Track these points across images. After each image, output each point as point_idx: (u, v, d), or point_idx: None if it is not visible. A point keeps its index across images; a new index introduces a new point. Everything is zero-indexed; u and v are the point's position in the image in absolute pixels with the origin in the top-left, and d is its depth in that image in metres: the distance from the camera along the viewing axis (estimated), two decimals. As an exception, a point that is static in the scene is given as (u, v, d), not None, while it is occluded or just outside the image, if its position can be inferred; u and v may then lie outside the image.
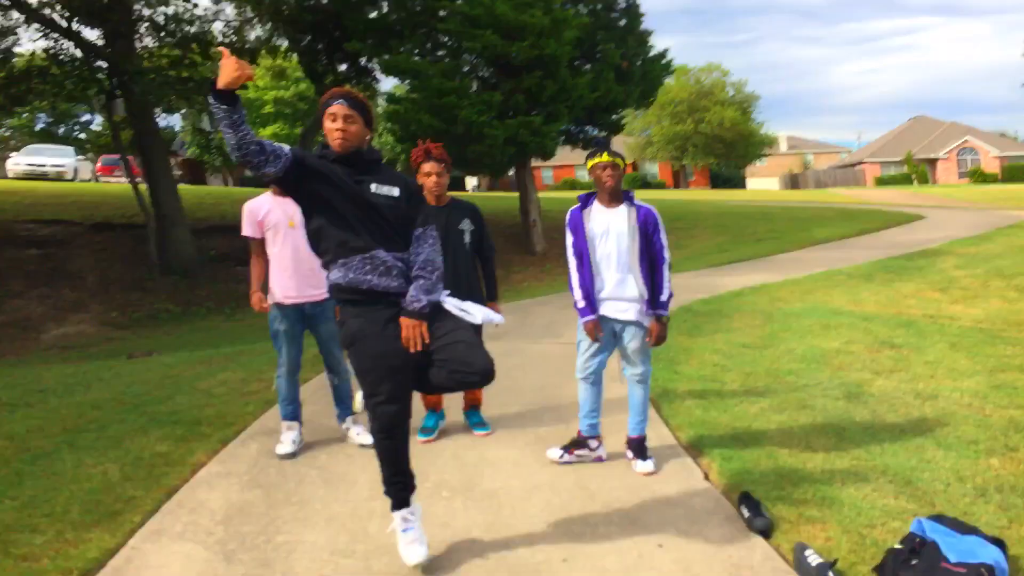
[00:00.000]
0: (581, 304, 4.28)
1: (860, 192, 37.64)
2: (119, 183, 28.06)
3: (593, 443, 4.45)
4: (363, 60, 18.21)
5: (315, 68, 18.25)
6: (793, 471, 4.13)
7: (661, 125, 54.09)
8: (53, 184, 24.34)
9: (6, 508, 3.86)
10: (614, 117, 18.39)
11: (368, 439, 4.72)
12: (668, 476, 4.18)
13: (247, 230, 4.70)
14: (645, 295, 4.23)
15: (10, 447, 4.88)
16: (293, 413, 4.77)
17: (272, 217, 4.64)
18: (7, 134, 50.64)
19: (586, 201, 4.32)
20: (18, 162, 28.27)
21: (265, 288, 4.73)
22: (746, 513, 3.62)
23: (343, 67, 18.45)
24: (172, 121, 42.40)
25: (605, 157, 4.19)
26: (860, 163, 56.89)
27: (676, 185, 57.43)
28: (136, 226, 16.79)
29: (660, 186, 55.90)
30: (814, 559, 3.12)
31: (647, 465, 4.27)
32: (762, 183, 59.74)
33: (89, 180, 29.75)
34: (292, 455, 4.58)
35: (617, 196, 4.26)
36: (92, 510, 3.81)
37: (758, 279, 11.09)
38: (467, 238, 4.78)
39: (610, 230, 4.21)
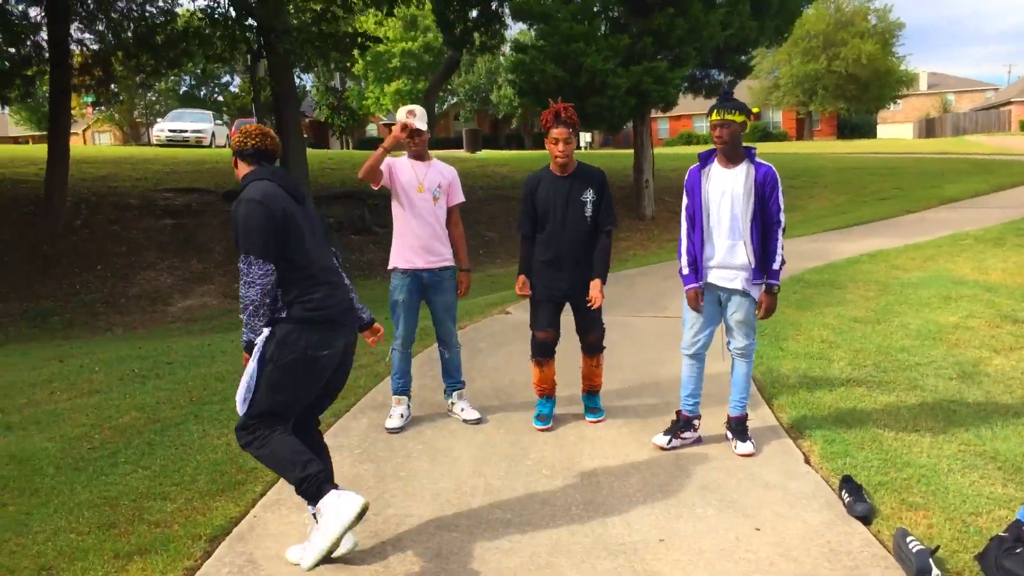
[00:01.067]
0: (686, 271, 4.24)
1: (1002, 139, 35.06)
2: (253, 148, 28.90)
3: (696, 423, 4.46)
4: (494, 4, 18.15)
5: (446, 15, 18.26)
6: (898, 455, 4.05)
7: (791, 65, 50.17)
8: (192, 150, 25.21)
9: (140, 476, 4.21)
10: (743, 58, 17.63)
11: (472, 415, 4.89)
12: (768, 458, 4.17)
13: (379, 184, 4.67)
14: (754, 263, 4.12)
15: (142, 418, 5.28)
16: (404, 387, 4.93)
17: (404, 177, 4.70)
18: (154, 98, 53.24)
19: (706, 160, 4.20)
20: (162, 128, 29.46)
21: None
22: (847, 498, 3.59)
23: (474, 13, 18.46)
24: (304, 80, 43.62)
25: (714, 115, 4.05)
26: (1007, 103, 52.13)
27: (799, 136, 53.95)
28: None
29: (782, 137, 52.69)
30: (915, 546, 3.09)
31: (747, 446, 4.26)
32: (894, 130, 55.95)
33: (224, 145, 30.81)
34: (400, 429, 4.78)
35: (734, 156, 4.11)
36: (217, 480, 4.11)
37: (877, 244, 10.69)
38: (588, 210, 4.54)
39: (725, 192, 4.09)
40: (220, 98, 54.17)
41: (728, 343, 4.39)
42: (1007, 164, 21.79)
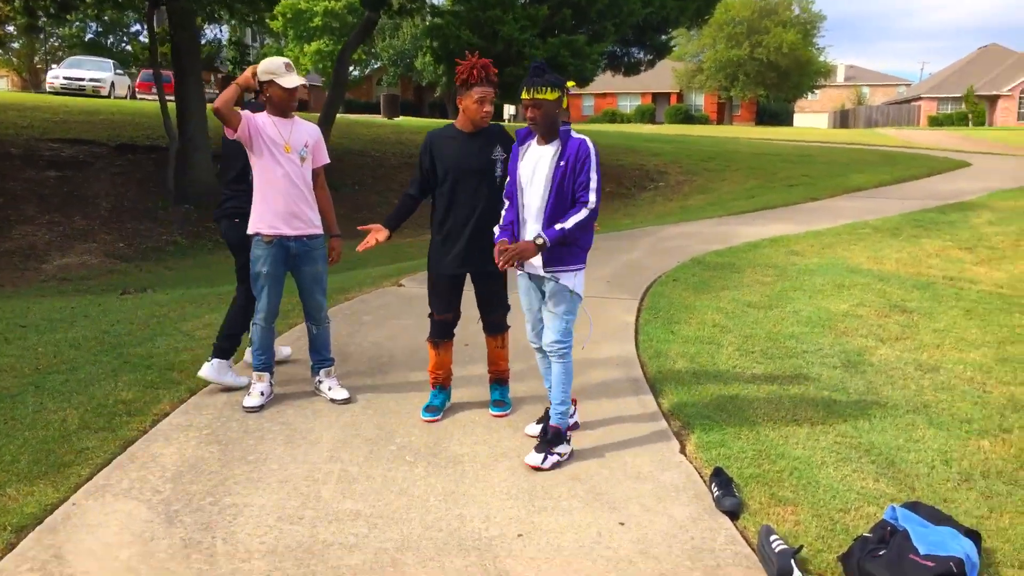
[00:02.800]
0: (497, 231, 3.93)
1: (910, 133, 36.12)
2: (156, 100, 27.65)
3: (569, 409, 4.18)
4: None
5: None
6: (773, 447, 3.93)
7: (715, 49, 50.73)
8: (88, 100, 23.80)
9: (-46, 455, 3.76)
10: (664, 37, 17.60)
11: (340, 394, 4.57)
12: (643, 447, 3.99)
13: (244, 120, 4.19)
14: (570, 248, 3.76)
15: (-24, 388, 4.78)
16: (265, 363, 4.58)
17: (267, 133, 4.25)
18: (56, 43, 50.22)
19: (525, 137, 3.86)
20: (57, 75, 27.77)
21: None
22: (715, 491, 3.44)
23: None
24: (222, 34, 41.71)
25: (524, 94, 3.66)
26: (917, 98, 53.74)
27: (720, 120, 54.80)
28: (159, 149, 16.44)
29: (704, 120, 53.04)
30: (778, 545, 2.94)
31: (535, 457, 3.76)
32: (810, 119, 57.28)
33: (125, 97, 29.22)
34: (259, 408, 4.42)
35: (549, 134, 3.72)
36: (42, 460, 3.70)
37: (779, 230, 10.72)
38: (498, 169, 4.14)
39: (536, 172, 3.73)
40: (128, 48, 51.52)
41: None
42: (912, 157, 22.40)
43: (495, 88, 4.06)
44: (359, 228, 4.34)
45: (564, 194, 3.68)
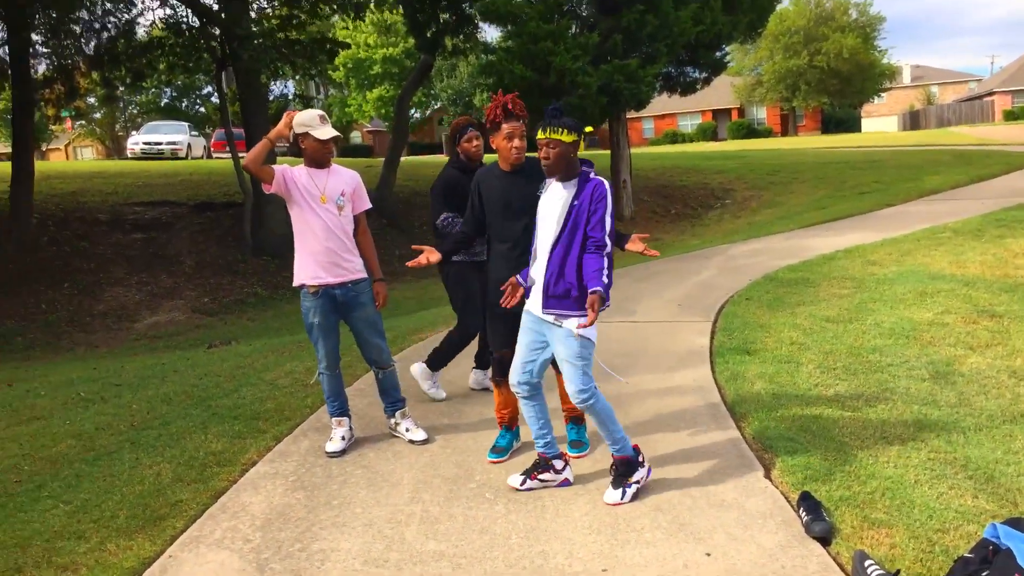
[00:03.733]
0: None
1: (985, 130, 34.93)
2: (229, 159, 28.66)
3: (558, 463, 3.90)
4: (465, 6, 17.88)
5: (417, 18, 17.88)
6: (863, 467, 3.81)
7: (773, 61, 50.01)
8: (166, 163, 24.89)
9: (59, 513, 3.94)
10: (718, 54, 17.51)
11: (418, 435, 4.62)
12: (726, 473, 3.92)
13: (277, 180, 4.31)
14: (571, 292, 3.61)
15: (76, 447, 5.01)
16: (340, 408, 4.66)
17: (302, 186, 4.33)
18: (135, 111, 52.73)
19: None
20: (136, 141, 29.20)
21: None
22: (804, 516, 3.35)
23: (446, 15, 18.14)
24: (288, 89, 43.15)
25: (540, 134, 3.61)
26: (990, 93, 52.14)
27: (784, 132, 53.95)
28: (235, 204, 17.07)
29: (767, 133, 52.37)
30: (874, 570, 2.85)
31: (615, 495, 3.70)
32: (879, 124, 55.74)
33: (201, 156, 30.44)
34: (340, 453, 4.50)
35: (566, 174, 3.65)
36: (139, 515, 3.84)
37: (854, 239, 10.46)
38: None
39: (551, 211, 3.65)
40: (202, 109, 53.68)
41: None
42: (987, 155, 21.62)
43: (524, 120, 4.03)
44: (413, 247, 4.28)
45: (575, 235, 3.57)
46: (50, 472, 4.60)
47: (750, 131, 52.15)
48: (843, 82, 49.03)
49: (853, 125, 54.59)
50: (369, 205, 4.64)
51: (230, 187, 18.58)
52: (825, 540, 3.22)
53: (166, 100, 55.20)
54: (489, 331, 4.30)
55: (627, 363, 5.86)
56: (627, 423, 4.63)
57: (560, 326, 3.63)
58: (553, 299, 3.62)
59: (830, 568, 3.04)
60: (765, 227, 13.25)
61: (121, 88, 20.09)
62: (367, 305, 4.52)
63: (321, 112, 4.38)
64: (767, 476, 3.87)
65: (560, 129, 3.57)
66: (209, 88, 51.61)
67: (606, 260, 3.55)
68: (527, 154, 4.12)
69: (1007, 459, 3.81)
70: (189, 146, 29.31)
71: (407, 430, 4.66)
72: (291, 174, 4.38)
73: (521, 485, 3.86)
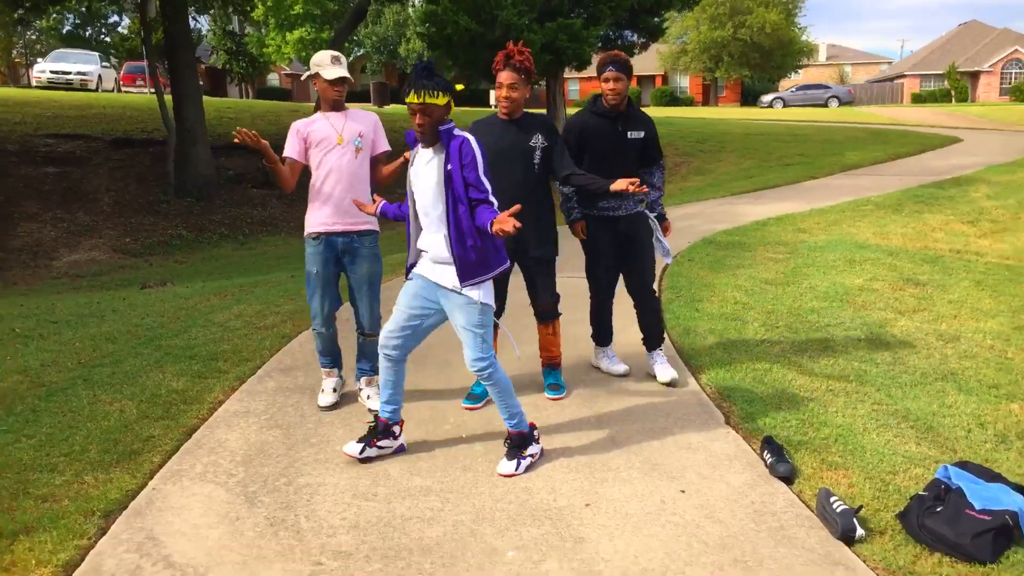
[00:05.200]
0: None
1: (896, 111, 36.44)
2: (142, 93, 27.40)
3: (396, 429, 3.81)
4: None
5: None
6: (815, 415, 4.09)
7: (699, 31, 50.60)
8: (77, 94, 23.64)
9: (24, 447, 3.86)
10: (656, 20, 17.73)
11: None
12: (689, 420, 4.14)
13: (290, 149, 4.18)
14: (459, 257, 3.51)
15: (24, 382, 4.87)
16: (332, 362, 4.47)
17: (318, 133, 4.19)
18: (35, 37, 49.62)
19: (414, 141, 3.60)
20: (43, 69, 27.65)
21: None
22: (768, 458, 3.59)
23: None
24: (200, 24, 41.20)
25: (413, 98, 3.39)
26: (900, 76, 54.19)
27: (705, 101, 54.84)
28: (156, 142, 16.46)
29: (689, 102, 53.35)
30: (839, 505, 3.10)
31: (506, 466, 3.62)
32: (795, 99, 57.31)
33: (112, 90, 29.03)
34: (332, 407, 4.36)
35: (433, 138, 3.49)
36: (111, 449, 3.81)
37: (783, 208, 10.89)
38: (537, 156, 4.20)
39: (424, 177, 3.55)
40: (108, 39, 50.96)
41: None
42: (902, 134, 22.63)
43: (519, 73, 4.07)
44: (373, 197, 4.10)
45: (460, 199, 3.47)
46: (2, 408, 4.47)
47: (673, 99, 53.01)
48: (764, 56, 50.20)
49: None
50: (388, 147, 4.44)
51: (148, 123, 17.89)
52: (788, 480, 3.47)
53: (68, 28, 52.19)
54: None
55: (582, 318, 6.03)
56: (592, 376, 4.80)
57: (460, 292, 3.53)
58: (467, 267, 3.49)
59: (796, 504, 3.29)
60: (696, 193, 13.61)
61: (23, 10, 18.90)
62: (368, 260, 4.29)
63: (335, 52, 4.18)
64: (727, 423, 4.11)
65: (435, 92, 3.37)
66: (116, 17, 49.04)
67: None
68: (533, 111, 4.33)
69: (943, 412, 4.14)
70: (100, 78, 27.92)
71: (368, 397, 4.41)
72: (305, 129, 4.21)
73: (360, 454, 3.67)
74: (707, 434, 3.97)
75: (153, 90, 16.44)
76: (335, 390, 4.44)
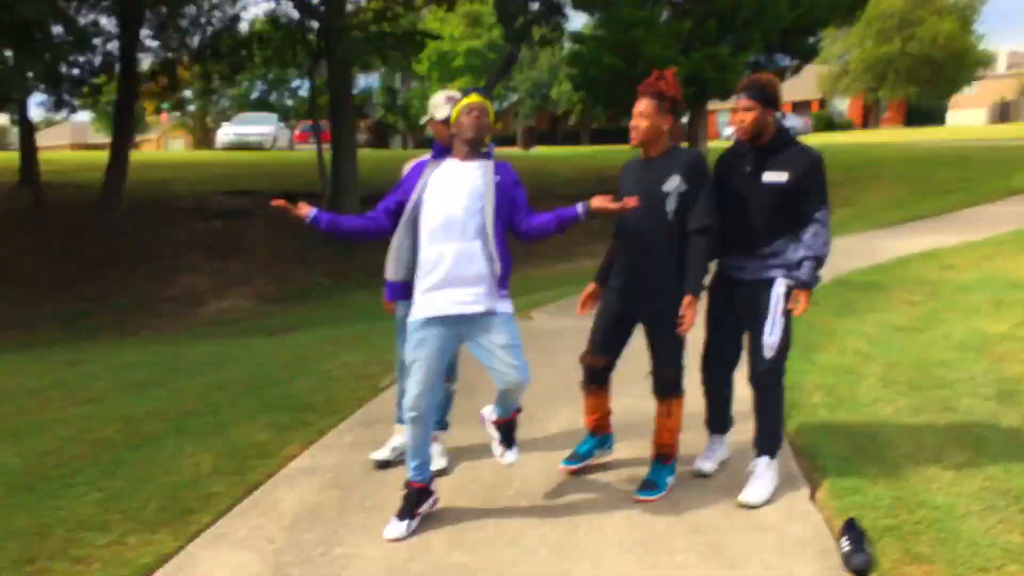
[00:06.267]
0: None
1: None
2: (312, 150, 29.29)
3: (432, 486, 3.69)
4: None
5: (507, 8, 17.74)
6: (914, 494, 3.59)
7: (863, 47, 47.39)
8: (253, 153, 25.48)
9: (89, 501, 3.95)
10: (811, 40, 16.78)
11: (439, 463, 4.15)
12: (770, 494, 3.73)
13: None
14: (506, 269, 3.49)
15: (123, 431, 5.08)
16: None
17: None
18: (227, 104, 54.28)
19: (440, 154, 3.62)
20: (227, 132, 30.10)
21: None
22: (845, 546, 3.16)
23: (535, 5, 18.00)
24: (371, 81, 43.79)
25: (474, 97, 3.50)
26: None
27: (865, 124, 51.36)
28: (314, 195, 17.38)
29: (847, 127, 49.70)
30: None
31: (513, 456, 3.70)
32: (967, 116, 52.80)
33: (286, 148, 31.13)
34: (388, 463, 4.27)
35: (479, 143, 3.55)
36: (168, 507, 3.85)
37: (932, 242, 10.00)
38: (671, 203, 3.60)
39: (460, 191, 3.47)
40: (290, 103, 54.81)
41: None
42: (1088, 152, 20.44)
43: (655, 99, 3.63)
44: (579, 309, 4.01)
45: (501, 210, 3.50)
46: (90, 457, 4.64)
47: (828, 123, 50.07)
48: (935, 70, 46.36)
49: (939, 118, 51.98)
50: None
51: (310, 178, 18.90)
52: (862, 574, 3.03)
53: (257, 94, 56.55)
54: (591, 332, 3.95)
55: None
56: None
57: (495, 312, 3.45)
58: (500, 280, 3.48)
59: (867, 605, 2.86)
60: (840, 227, 12.74)
61: (218, 81, 20.63)
62: None
63: (451, 93, 3.91)
64: (812, 497, 3.68)
65: (484, 97, 3.49)
66: (297, 82, 52.84)
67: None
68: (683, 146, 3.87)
69: (1074, 493, 3.53)
70: (275, 138, 30.02)
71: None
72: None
73: (407, 532, 3.50)
74: (786, 512, 3.57)
75: (316, 146, 17.48)
76: (394, 448, 4.32)
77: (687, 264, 3.61)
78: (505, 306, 3.51)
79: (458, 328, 3.50)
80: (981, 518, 3.34)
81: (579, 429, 4.66)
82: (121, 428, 5.17)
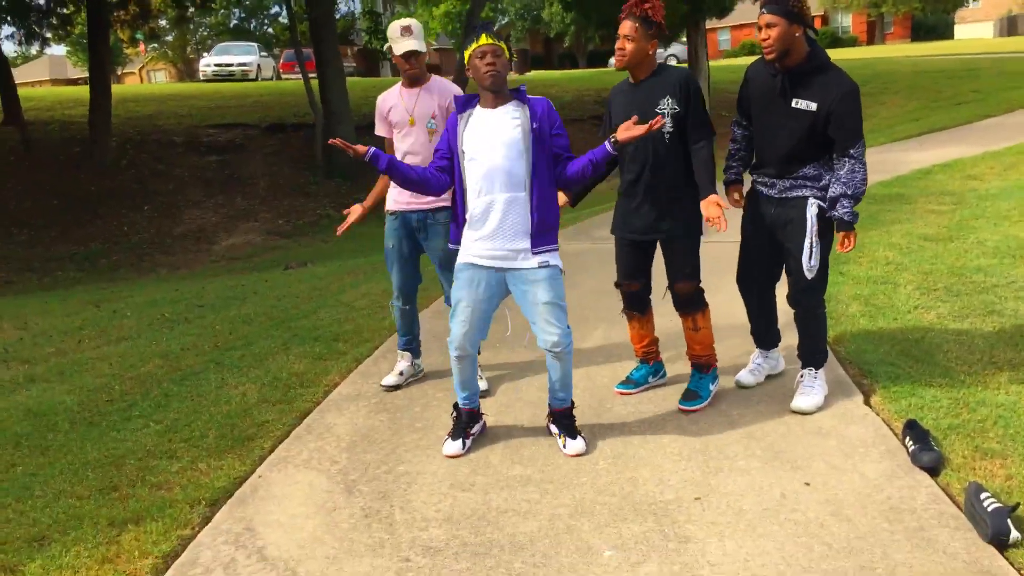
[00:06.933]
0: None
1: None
2: (298, 79, 28.76)
3: (480, 410, 3.72)
4: None
5: None
6: (971, 393, 3.59)
7: None
8: (237, 84, 24.99)
9: (151, 432, 4.01)
10: None
11: (388, 380, 4.31)
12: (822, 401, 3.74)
13: (379, 128, 4.17)
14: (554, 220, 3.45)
15: (163, 366, 5.10)
16: (407, 344, 4.41)
17: (395, 113, 4.09)
18: (205, 33, 53.09)
19: (466, 103, 3.47)
20: (208, 63, 29.42)
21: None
22: (911, 445, 3.16)
23: None
24: (355, 5, 42.77)
25: (484, 38, 3.33)
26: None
27: (870, 40, 50.63)
28: (306, 126, 17.08)
29: (852, 42, 49.16)
30: (991, 503, 2.67)
31: (578, 445, 3.48)
32: (974, 30, 52.01)
33: (271, 78, 30.47)
34: (395, 387, 4.31)
35: (501, 85, 3.37)
36: (227, 435, 3.88)
37: (952, 153, 9.89)
38: (666, 125, 3.59)
39: (499, 139, 3.34)
40: (270, 30, 53.53)
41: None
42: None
43: (638, 21, 3.52)
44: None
45: (541, 161, 3.37)
46: (140, 392, 4.69)
47: (834, 40, 49.27)
48: (939, -17, 45.60)
49: (945, 32, 51.06)
50: None
51: (300, 108, 18.57)
52: (934, 471, 3.04)
53: (235, 21, 55.21)
54: (617, 262, 3.92)
55: (716, 283, 5.65)
56: (718, 346, 4.46)
57: (540, 266, 3.37)
58: (546, 233, 3.39)
59: (941, 500, 2.87)
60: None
61: (191, 9, 20.06)
62: (443, 236, 4.10)
63: (406, 23, 3.93)
64: (867, 403, 3.69)
65: (501, 42, 3.34)
66: (277, 8, 51.45)
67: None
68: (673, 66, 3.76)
69: None
70: (259, 67, 29.33)
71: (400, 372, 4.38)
72: (384, 107, 4.12)
73: (464, 450, 3.52)
74: (842, 416, 3.57)
75: (301, 76, 17.03)
76: (402, 373, 4.35)
77: (695, 178, 3.63)
78: (553, 259, 3.42)
79: (504, 277, 3.44)
80: (1047, 414, 3.35)
81: (614, 346, 4.69)
82: (161, 364, 5.17)
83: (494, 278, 3.44)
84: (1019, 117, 12.53)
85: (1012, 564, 2.50)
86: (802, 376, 3.77)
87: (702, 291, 3.80)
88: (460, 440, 3.54)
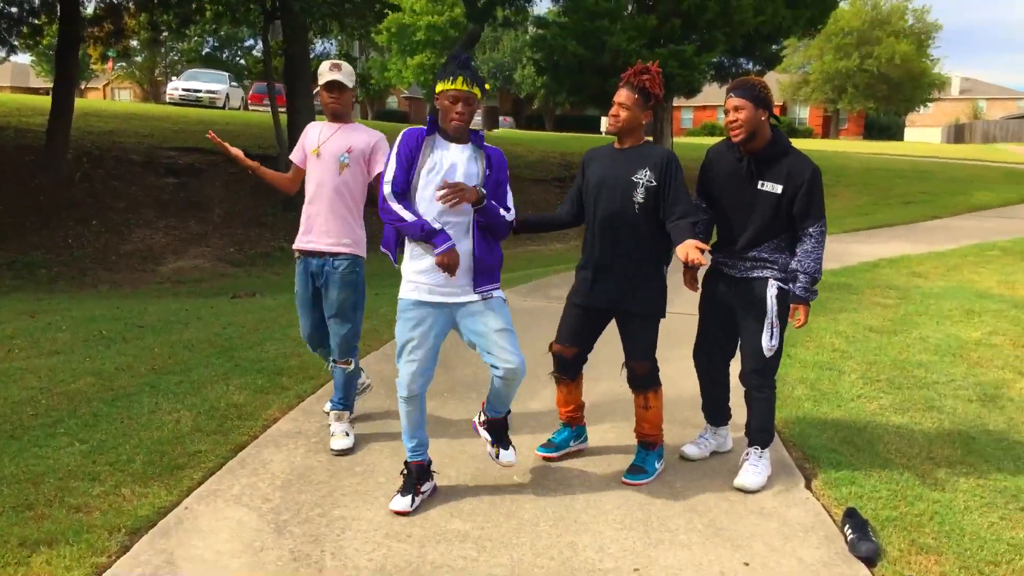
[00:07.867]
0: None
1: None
2: (266, 112, 28.54)
3: (430, 467, 3.60)
4: None
5: None
6: (910, 487, 3.63)
7: (822, 60, 48.75)
8: (204, 111, 24.77)
9: (74, 452, 3.83)
10: (774, 48, 17.24)
11: (339, 443, 3.94)
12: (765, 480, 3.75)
13: (293, 154, 4.07)
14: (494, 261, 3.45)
15: (95, 385, 4.90)
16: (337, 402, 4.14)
17: (309, 141, 4.00)
18: (176, 57, 52.67)
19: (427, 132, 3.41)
20: (176, 87, 29.03)
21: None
22: (850, 534, 3.17)
23: None
24: (330, 47, 42.87)
25: (459, 83, 3.25)
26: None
27: (825, 134, 52.80)
28: (269, 158, 16.90)
29: (807, 133, 51.16)
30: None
31: (511, 456, 3.56)
32: (922, 134, 54.63)
33: (238, 108, 30.21)
34: (348, 451, 3.93)
35: (466, 132, 3.38)
36: (156, 462, 3.73)
37: (898, 249, 10.20)
38: (639, 194, 3.57)
39: (451, 173, 3.32)
40: (242, 61, 53.51)
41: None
42: (1039, 176, 21.14)
43: (636, 93, 3.59)
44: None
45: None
46: (67, 409, 4.50)
47: (791, 131, 51.17)
48: (892, 88, 48.01)
49: (896, 133, 53.60)
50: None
51: (265, 139, 18.42)
52: (871, 561, 3.05)
53: (208, 49, 55.03)
54: (561, 320, 3.86)
55: (668, 356, 5.68)
56: (667, 418, 4.46)
57: (491, 296, 3.39)
58: (483, 276, 3.36)
59: (876, 592, 2.88)
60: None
61: (166, 32, 19.89)
62: (339, 288, 3.94)
63: (338, 62, 3.92)
64: (808, 487, 3.70)
65: (475, 84, 3.27)
66: (251, 41, 51.51)
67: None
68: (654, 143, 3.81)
69: (1064, 494, 3.61)
70: (228, 96, 29.10)
71: (332, 433, 4.03)
72: (307, 132, 4.06)
73: (411, 507, 3.36)
74: (784, 498, 3.58)
75: (270, 109, 16.96)
76: (346, 433, 4.03)
77: (673, 237, 3.53)
78: (497, 292, 3.44)
79: (451, 312, 3.40)
80: (982, 514, 3.39)
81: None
82: (93, 382, 4.97)
83: (443, 315, 3.39)
84: (965, 221, 13.04)
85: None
86: (747, 454, 3.78)
87: (657, 369, 3.78)
88: (409, 496, 3.40)
